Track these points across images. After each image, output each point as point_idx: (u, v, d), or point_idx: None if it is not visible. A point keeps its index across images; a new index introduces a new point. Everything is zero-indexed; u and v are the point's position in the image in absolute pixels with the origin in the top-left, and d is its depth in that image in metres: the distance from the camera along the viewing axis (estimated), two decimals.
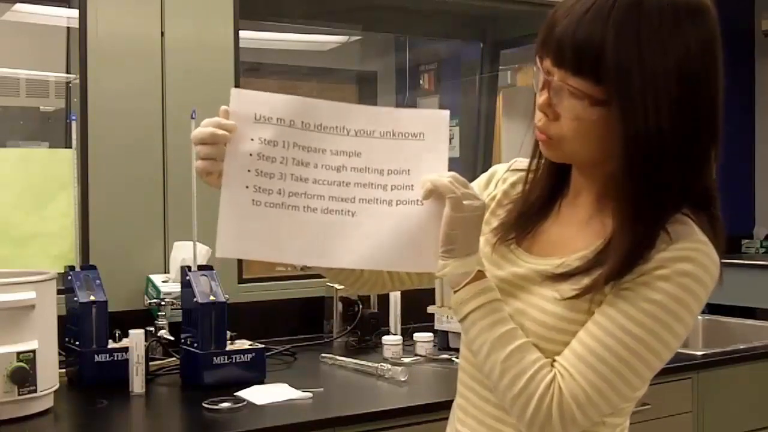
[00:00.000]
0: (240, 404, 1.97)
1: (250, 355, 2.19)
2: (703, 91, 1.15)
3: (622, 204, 1.16)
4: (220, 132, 1.17)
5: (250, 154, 1.19)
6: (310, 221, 1.19)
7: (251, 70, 5.03)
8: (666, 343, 1.14)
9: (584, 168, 1.24)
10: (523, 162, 1.36)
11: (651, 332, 1.13)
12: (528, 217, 1.29)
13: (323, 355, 2.49)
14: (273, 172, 1.19)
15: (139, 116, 2.56)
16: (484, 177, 1.41)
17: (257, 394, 2.04)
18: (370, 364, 2.33)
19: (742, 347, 2.70)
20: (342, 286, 1.44)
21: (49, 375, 1.93)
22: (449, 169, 1.20)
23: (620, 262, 1.14)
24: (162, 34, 2.59)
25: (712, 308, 3.34)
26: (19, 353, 1.85)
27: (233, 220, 1.19)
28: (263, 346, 2.26)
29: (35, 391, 1.88)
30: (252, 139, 1.19)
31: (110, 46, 2.52)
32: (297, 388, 2.08)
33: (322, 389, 2.11)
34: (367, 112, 1.22)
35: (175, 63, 2.60)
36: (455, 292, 1.19)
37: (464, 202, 1.14)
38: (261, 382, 2.16)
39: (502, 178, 1.38)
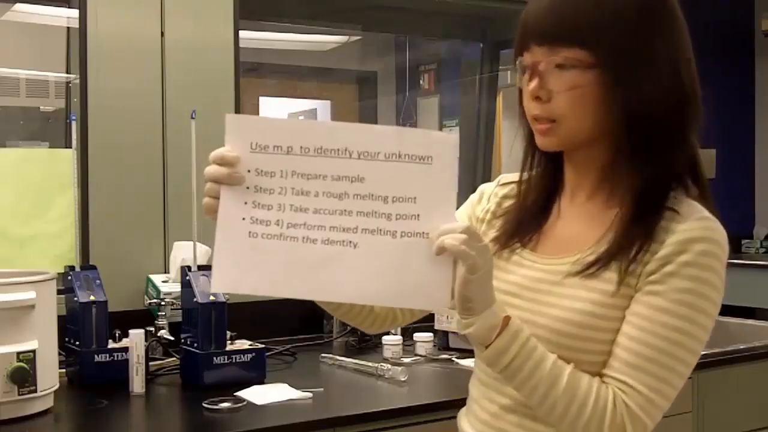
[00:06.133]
0: (240, 404, 1.97)
1: (250, 355, 2.19)
2: (677, 40, 1.20)
3: (626, 171, 1.20)
4: (224, 170, 1.14)
5: (247, 187, 1.15)
6: (310, 253, 1.14)
7: (251, 70, 5.03)
8: (703, 326, 1.18)
9: (579, 159, 1.26)
10: (509, 177, 1.40)
11: (688, 320, 1.16)
12: (528, 221, 1.30)
13: (323, 355, 2.49)
14: (271, 204, 1.14)
15: (139, 116, 2.56)
16: (474, 196, 1.44)
17: (257, 394, 2.04)
18: (370, 364, 2.33)
19: (742, 347, 2.70)
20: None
21: (49, 375, 1.93)
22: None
23: (634, 232, 1.17)
24: (162, 34, 2.58)
25: None
26: (19, 353, 1.85)
27: (229, 254, 1.16)
28: (263, 346, 2.26)
29: (35, 391, 1.88)
30: (249, 171, 1.14)
31: (110, 46, 2.52)
32: (297, 388, 2.08)
33: (322, 389, 2.11)
34: (371, 132, 1.14)
35: (175, 63, 2.60)
36: (486, 347, 1.15)
37: (479, 263, 1.08)
38: (261, 382, 2.15)
39: (494, 193, 1.40)
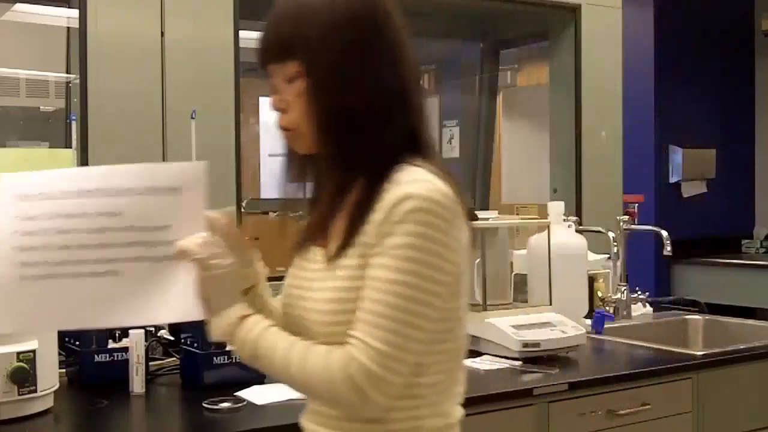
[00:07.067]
0: (240, 404, 1.97)
1: None
2: (384, 45, 1.32)
3: (337, 163, 1.30)
4: None
5: (15, 232, 1.23)
6: (80, 287, 1.23)
7: (251, 70, 5.02)
8: (433, 280, 1.22)
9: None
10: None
11: (412, 273, 1.21)
12: (314, 222, 1.39)
13: None
14: (36, 246, 1.23)
15: (139, 116, 2.56)
16: None
17: (257, 394, 2.04)
18: None
19: (742, 347, 2.69)
20: None
21: (49, 375, 1.93)
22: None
23: (353, 212, 1.27)
24: (162, 34, 2.59)
25: (712, 308, 3.34)
26: (19, 353, 1.85)
27: (6, 300, 1.23)
28: None
29: (35, 391, 1.88)
30: (16, 217, 1.23)
31: (110, 46, 2.52)
32: None
33: None
34: (126, 172, 1.27)
35: (175, 63, 2.60)
36: (230, 342, 1.29)
37: (211, 262, 1.23)
38: (261, 382, 2.15)
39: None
